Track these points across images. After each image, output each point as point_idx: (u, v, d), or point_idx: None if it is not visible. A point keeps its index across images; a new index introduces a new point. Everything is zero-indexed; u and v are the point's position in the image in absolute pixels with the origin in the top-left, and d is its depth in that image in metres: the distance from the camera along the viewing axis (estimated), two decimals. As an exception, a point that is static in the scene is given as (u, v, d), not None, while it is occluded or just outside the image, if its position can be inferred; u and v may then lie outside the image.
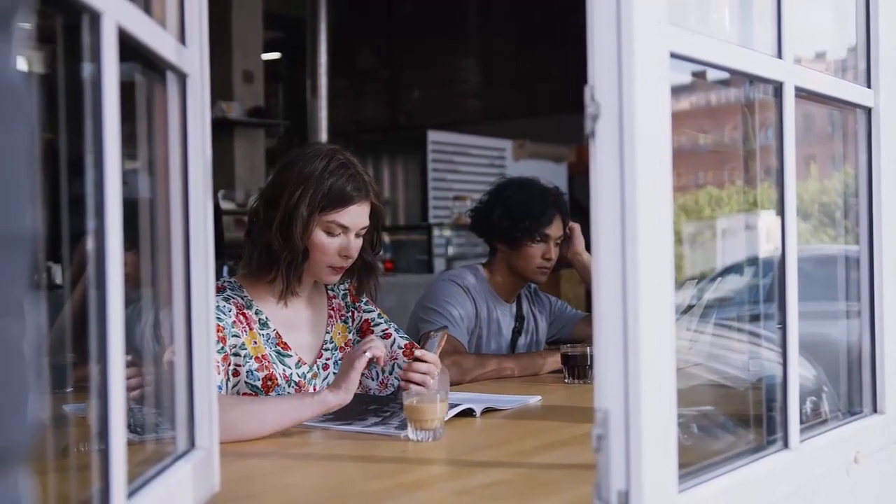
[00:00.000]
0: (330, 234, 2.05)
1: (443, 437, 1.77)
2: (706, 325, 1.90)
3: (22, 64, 0.56)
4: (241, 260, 2.15)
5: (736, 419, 1.64)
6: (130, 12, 1.02)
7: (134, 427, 1.26)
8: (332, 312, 2.23)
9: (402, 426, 1.82)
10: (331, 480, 1.57)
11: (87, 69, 0.95)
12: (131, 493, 1.03)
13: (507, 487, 1.46)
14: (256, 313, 2.09)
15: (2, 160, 0.50)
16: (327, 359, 2.18)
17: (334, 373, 2.15)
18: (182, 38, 1.27)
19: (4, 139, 0.50)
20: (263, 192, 2.12)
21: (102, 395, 0.94)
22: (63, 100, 0.97)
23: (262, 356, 2.05)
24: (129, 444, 1.00)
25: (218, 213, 3.98)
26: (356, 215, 2.06)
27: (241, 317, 2.05)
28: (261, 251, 2.07)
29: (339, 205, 2.03)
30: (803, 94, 1.50)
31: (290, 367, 2.08)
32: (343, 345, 2.22)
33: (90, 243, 0.94)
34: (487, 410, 2.07)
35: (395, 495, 1.44)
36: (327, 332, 2.19)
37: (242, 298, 2.08)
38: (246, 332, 2.04)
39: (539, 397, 2.27)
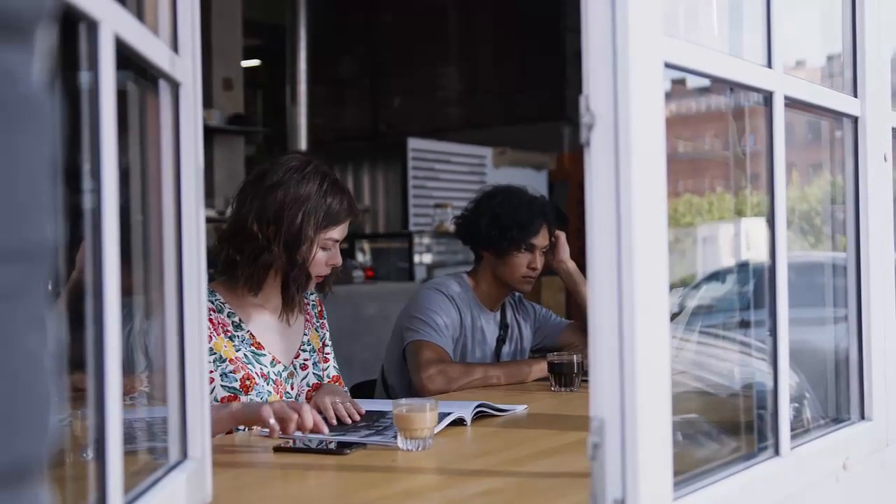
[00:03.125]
0: (325, 248, 2.17)
1: (432, 446, 1.77)
2: (691, 332, 1.91)
3: (43, 75, 0.55)
4: (226, 268, 2.16)
5: (724, 427, 1.64)
6: (127, 21, 1.01)
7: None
8: (308, 317, 2.32)
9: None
10: (323, 491, 1.56)
11: (83, 77, 0.94)
12: (126, 505, 1.02)
13: (501, 496, 1.46)
14: (229, 316, 2.14)
15: (25, 172, 0.49)
16: (305, 359, 2.26)
17: (314, 373, 2.26)
18: (175, 47, 1.26)
19: (28, 151, 0.50)
20: (256, 210, 2.11)
21: (99, 407, 0.93)
22: (57, 108, 0.96)
23: (236, 358, 2.10)
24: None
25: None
26: (345, 228, 2.20)
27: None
28: (261, 269, 2.11)
29: (337, 222, 2.16)
30: (791, 103, 1.51)
31: (265, 366, 2.14)
32: (317, 349, 2.31)
33: (87, 252, 0.93)
34: (479, 415, 2.07)
35: (388, 505, 1.43)
36: (305, 334, 2.28)
37: (213, 302, 2.13)
38: (214, 336, 2.09)
39: (525, 406, 2.26)
